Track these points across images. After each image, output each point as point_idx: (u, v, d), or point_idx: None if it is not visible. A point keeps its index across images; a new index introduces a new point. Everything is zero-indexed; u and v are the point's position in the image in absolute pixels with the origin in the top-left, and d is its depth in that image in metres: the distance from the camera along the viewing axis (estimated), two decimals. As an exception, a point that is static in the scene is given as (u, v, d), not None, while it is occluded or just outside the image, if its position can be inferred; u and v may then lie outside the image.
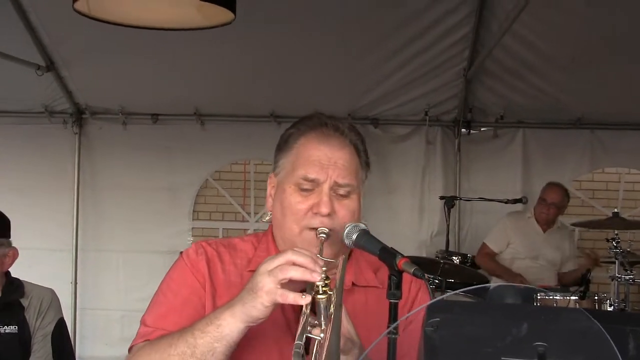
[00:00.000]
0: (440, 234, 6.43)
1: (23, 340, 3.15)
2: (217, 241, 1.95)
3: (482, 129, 7.08)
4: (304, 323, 1.55)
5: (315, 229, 1.78)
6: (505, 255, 6.11)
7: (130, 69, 6.40)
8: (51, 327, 3.22)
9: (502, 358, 1.29)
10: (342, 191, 1.80)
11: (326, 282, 1.59)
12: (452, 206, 6.04)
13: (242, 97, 6.69)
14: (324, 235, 1.75)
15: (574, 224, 6.44)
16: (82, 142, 7.29)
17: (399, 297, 1.55)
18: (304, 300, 1.56)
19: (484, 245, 6.17)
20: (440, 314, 1.37)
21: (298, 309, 1.68)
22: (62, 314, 3.36)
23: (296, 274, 1.58)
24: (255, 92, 6.62)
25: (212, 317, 1.65)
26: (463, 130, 6.91)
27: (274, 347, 1.77)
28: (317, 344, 1.55)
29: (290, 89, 6.54)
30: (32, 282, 3.44)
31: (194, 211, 7.26)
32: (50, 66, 6.35)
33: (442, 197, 6.18)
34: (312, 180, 1.79)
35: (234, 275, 1.86)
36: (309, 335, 1.54)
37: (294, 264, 1.60)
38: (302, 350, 1.48)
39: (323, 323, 1.57)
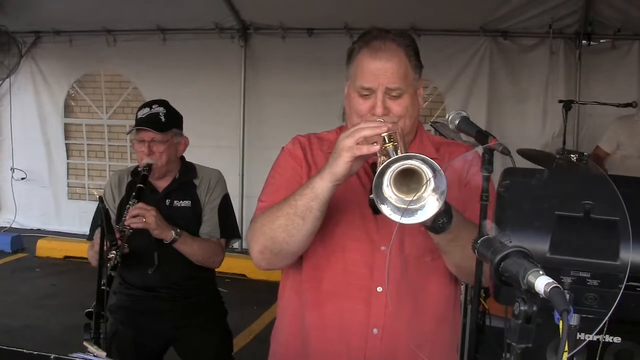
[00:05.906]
0: (561, 135, 6.40)
1: (195, 212, 3.51)
2: (309, 134, 2.36)
3: (601, 41, 7.37)
4: (380, 163, 1.83)
5: None
6: (616, 156, 6.28)
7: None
8: (218, 201, 3.53)
9: (556, 212, 1.53)
10: (394, 93, 2.10)
11: (391, 134, 1.89)
12: (570, 109, 6.20)
13: (384, 12, 6.99)
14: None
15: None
16: (247, 54, 8.32)
17: (491, 171, 1.76)
18: (375, 147, 1.87)
19: (597, 147, 6.36)
20: (512, 177, 1.60)
21: (372, 175, 1.99)
22: (227, 190, 3.62)
23: (368, 131, 1.90)
24: (394, 4, 7.07)
25: (306, 183, 2.01)
26: (584, 42, 7.27)
27: (355, 206, 2.17)
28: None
29: (430, 3, 7.12)
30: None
31: (343, 113, 7.97)
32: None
33: (560, 101, 6.32)
34: (367, 88, 2.11)
35: (319, 157, 2.25)
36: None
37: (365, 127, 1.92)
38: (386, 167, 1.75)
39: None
